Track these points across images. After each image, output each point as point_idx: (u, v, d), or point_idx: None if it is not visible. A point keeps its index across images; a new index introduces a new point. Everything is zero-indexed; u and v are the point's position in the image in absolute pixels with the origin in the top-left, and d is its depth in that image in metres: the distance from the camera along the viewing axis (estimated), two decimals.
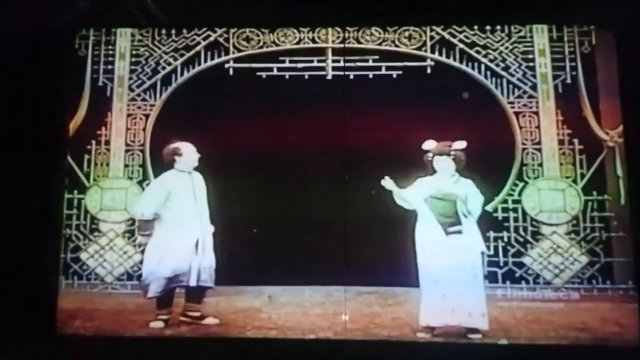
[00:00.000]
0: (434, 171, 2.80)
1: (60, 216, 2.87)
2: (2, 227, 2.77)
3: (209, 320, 2.75)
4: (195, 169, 2.88)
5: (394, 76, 2.95)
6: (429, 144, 2.79)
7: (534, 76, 2.92)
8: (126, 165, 2.95)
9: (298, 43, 3.02)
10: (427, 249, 2.72)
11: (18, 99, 2.89)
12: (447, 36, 2.98)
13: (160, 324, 2.75)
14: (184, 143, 2.88)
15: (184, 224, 2.81)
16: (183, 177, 2.87)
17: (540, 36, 2.95)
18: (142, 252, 2.84)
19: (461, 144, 2.78)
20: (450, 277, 2.68)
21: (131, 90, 3.02)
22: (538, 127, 2.88)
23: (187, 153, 2.87)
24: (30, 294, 2.72)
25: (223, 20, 3.05)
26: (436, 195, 2.76)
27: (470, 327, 2.65)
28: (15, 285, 2.72)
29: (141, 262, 2.85)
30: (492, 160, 2.83)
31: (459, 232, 2.72)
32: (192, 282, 2.77)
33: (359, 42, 3.00)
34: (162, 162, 2.89)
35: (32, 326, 2.69)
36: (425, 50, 2.97)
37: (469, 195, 2.74)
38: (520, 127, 2.89)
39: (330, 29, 3.01)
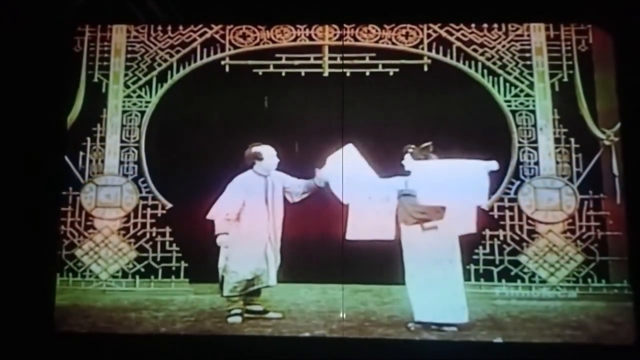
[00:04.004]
0: (407, 173, 2.79)
1: (57, 213, 2.85)
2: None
3: (272, 315, 2.75)
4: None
5: (391, 74, 2.94)
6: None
7: (531, 74, 2.92)
8: (121, 162, 2.94)
9: (295, 40, 3.01)
10: (405, 247, 2.71)
11: (14, 95, 2.87)
12: (444, 34, 2.97)
13: (238, 319, 2.73)
14: (265, 147, 2.85)
15: (257, 226, 2.79)
16: (259, 180, 2.84)
17: (538, 34, 2.94)
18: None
19: (427, 145, 2.77)
20: (427, 273, 2.65)
21: (127, 86, 3.00)
22: (534, 125, 2.89)
23: (268, 158, 2.85)
24: (28, 292, 2.70)
25: (219, 17, 3.03)
26: (410, 192, 2.75)
27: (448, 322, 2.64)
28: (13, 283, 2.70)
29: (136, 259, 2.85)
30: (488, 159, 2.80)
31: (435, 227, 2.70)
32: (272, 282, 2.77)
33: (356, 40, 2.99)
34: (242, 164, 2.85)
35: (30, 324, 2.67)
36: (422, 48, 2.96)
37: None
38: (517, 126, 2.89)
39: (327, 26, 3.00)
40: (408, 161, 2.78)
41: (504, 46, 2.94)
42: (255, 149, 2.85)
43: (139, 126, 2.97)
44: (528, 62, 2.92)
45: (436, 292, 2.63)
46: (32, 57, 2.89)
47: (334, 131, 2.84)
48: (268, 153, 2.85)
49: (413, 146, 2.79)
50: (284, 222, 2.82)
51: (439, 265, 2.65)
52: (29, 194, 2.79)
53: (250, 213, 2.80)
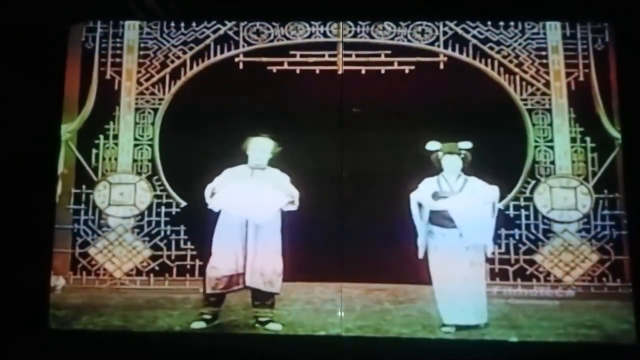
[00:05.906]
0: (440, 170, 2.80)
1: (51, 211, 2.83)
2: None
3: (271, 326, 2.70)
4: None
5: (406, 71, 2.92)
6: (435, 145, 2.79)
7: (547, 73, 2.90)
8: (135, 160, 2.92)
9: (309, 37, 2.98)
10: (437, 247, 2.74)
11: (10, 91, 2.85)
12: (460, 32, 2.95)
13: (201, 324, 2.70)
14: (257, 139, 2.80)
15: (233, 223, 2.75)
16: (245, 171, 2.80)
17: (554, 33, 2.92)
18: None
19: (467, 144, 2.78)
20: (465, 275, 2.70)
21: (139, 84, 2.97)
22: (550, 124, 2.87)
23: (253, 150, 2.79)
24: (23, 289, 2.71)
25: (233, 13, 3.00)
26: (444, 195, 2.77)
27: (475, 324, 2.67)
28: (8, 281, 2.71)
29: (151, 257, 2.84)
30: (504, 158, 2.82)
31: None
32: (248, 283, 2.70)
33: (371, 37, 2.96)
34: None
35: (25, 321, 2.68)
36: (438, 46, 2.94)
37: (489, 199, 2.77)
38: (533, 125, 2.87)
39: (342, 23, 2.97)
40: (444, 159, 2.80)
41: (520, 44, 2.93)
42: (248, 140, 2.80)
43: (153, 124, 2.94)
44: (544, 61, 2.90)
45: (469, 294, 2.68)
46: (39, 54, 2.88)
47: (349, 128, 2.83)
48: (254, 145, 2.80)
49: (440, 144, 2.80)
50: (283, 220, 2.76)
51: (472, 267, 2.71)
52: (25, 192, 2.79)
53: (228, 203, 2.75)
